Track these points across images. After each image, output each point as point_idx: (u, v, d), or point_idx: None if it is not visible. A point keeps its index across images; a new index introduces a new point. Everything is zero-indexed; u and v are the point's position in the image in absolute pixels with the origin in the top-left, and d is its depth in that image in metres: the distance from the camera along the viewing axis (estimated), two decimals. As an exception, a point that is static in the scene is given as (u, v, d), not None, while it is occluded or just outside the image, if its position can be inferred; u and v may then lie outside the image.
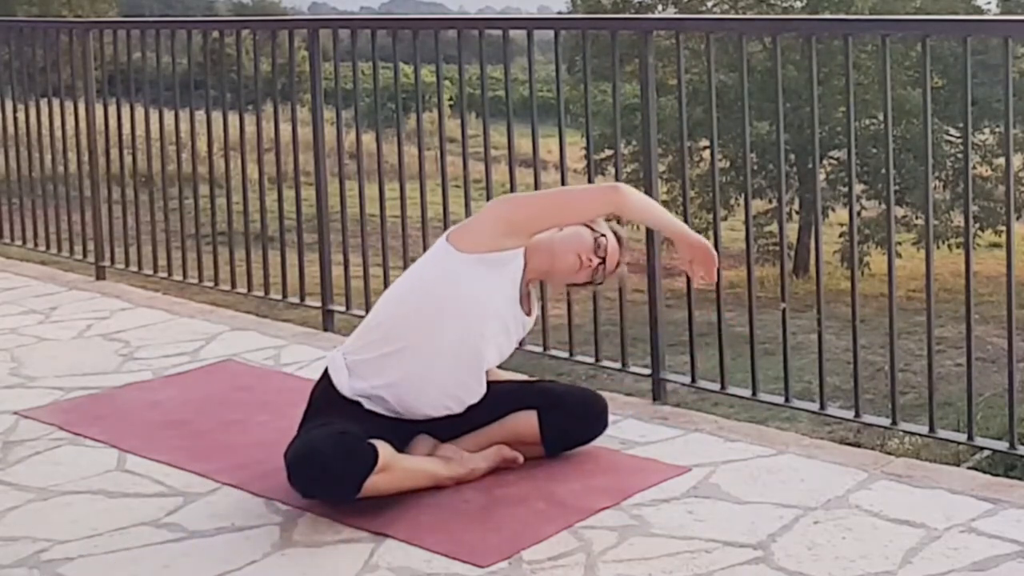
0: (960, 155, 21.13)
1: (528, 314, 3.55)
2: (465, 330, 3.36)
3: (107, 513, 3.30)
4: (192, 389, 4.34)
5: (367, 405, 3.37)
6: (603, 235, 3.50)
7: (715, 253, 3.47)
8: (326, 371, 3.44)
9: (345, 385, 3.37)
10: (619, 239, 3.57)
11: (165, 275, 6.01)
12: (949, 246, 19.85)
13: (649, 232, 4.26)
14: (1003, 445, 3.70)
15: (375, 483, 3.15)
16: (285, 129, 5.29)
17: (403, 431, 3.37)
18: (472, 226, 3.44)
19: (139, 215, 6.00)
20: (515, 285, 3.44)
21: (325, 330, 5.22)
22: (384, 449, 3.17)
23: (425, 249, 4.76)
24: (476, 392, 3.45)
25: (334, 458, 3.12)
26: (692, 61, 14.74)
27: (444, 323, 3.34)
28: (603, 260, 3.49)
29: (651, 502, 3.29)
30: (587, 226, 3.51)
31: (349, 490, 3.14)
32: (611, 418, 3.66)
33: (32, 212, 6.59)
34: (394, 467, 3.20)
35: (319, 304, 5.30)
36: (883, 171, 4.96)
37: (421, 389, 3.37)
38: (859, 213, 11.49)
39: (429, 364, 3.35)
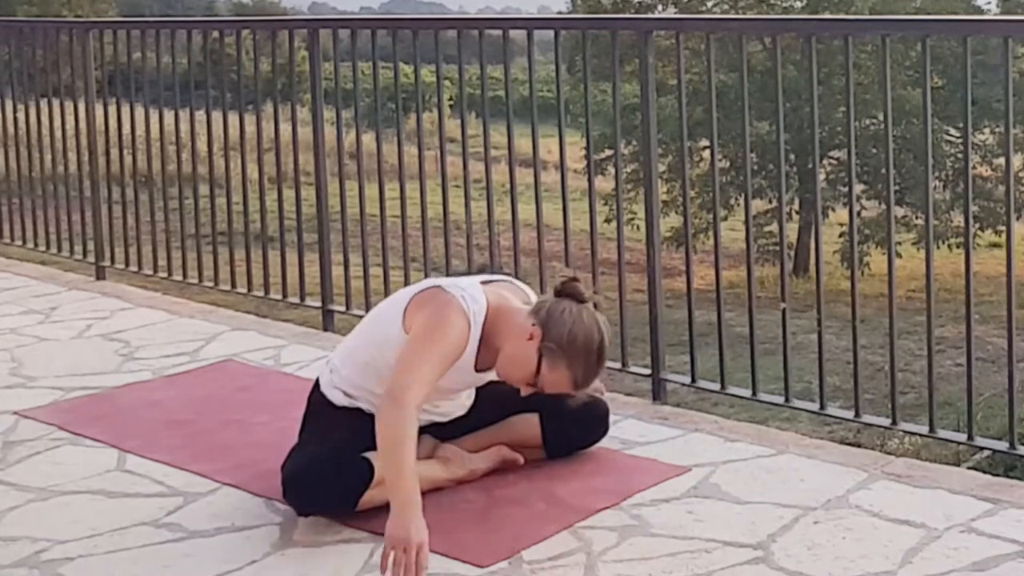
0: (960, 155, 21.13)
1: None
2: None
3: (107, 513, 3.30)
4: (192, 389, 4.33)
5: (366, 410, 3.35)
6: (532, 386, 3.23)
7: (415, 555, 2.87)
8: (318, 382, 3.42)
9: (340, 400, 3.36)
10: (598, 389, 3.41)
11: (165, 275, 6.00)
12: (949, 246, 19.80)
13: (649, 232, 4.26)
14: (1003, 445, 3.70)
15: (371, 497, 3.14)
16: (285, 129, 5.29)
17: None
18: (413, 326, 3.18)
19: (139, 215, 6.00)
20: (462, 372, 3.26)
21: (325, 330, 5.22)
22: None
23: (425, 251, 4.81)
24: (462, 405, 3.45)
25: (331, 476, 3.13)
26: (692, 61, 14.73)
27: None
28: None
29: (651, 502, 3.29)
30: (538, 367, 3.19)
31: (345, 506, 3.15)
32: (611, 418, 3.66)
33: (32, 212, 6.59)
34: None
35: (319, 304, 5.30)
36: (883, 171, 4.96)
37: None
38: (859, 213, 11.47)
39: None
